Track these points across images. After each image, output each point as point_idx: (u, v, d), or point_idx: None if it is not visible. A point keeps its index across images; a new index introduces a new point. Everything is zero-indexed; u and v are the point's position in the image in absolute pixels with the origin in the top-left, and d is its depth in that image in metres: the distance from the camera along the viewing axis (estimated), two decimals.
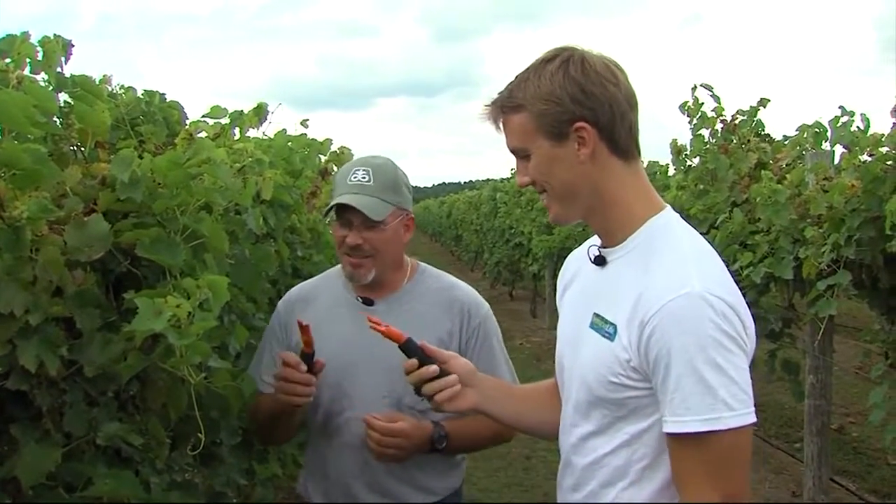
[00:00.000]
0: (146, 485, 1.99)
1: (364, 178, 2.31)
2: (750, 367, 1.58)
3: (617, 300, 1.66)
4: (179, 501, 1.98)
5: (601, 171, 1.69)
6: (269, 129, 4.10)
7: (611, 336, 1.65)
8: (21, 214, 1.64)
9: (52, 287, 1.69)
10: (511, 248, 14.37)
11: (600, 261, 1.77)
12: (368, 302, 2.37)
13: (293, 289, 2.57)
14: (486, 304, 2.49)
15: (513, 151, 1.76)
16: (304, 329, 2.15)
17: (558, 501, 1.85)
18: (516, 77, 1.74)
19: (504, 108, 1.74)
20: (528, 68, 1.72)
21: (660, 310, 1.55)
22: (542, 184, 1.73)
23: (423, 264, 2.54)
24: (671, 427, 1.55)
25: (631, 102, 1.71)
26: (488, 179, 18.13)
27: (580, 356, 1.75)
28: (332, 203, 2.33)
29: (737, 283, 4.26)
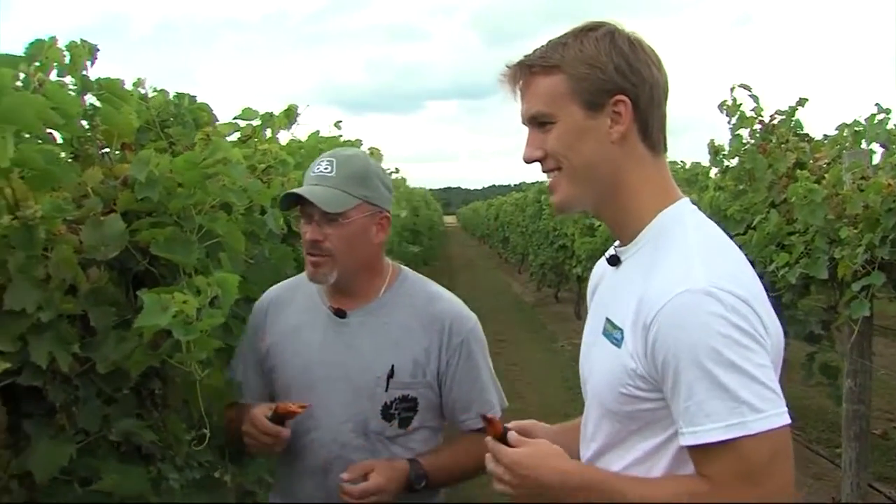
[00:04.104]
0: (165, 481, 2.01)
1: (327, 168, 2.10)
2: (784, 369, 1.46)
3: (624, 303, 1.52)
4: (184, 501, 1.99)
5: (627, 156, 1.55)
6: (310, 131, 4.16)
7: (618, 342, 1.51)
8: (34, 214, 1.68)
9: (65, 285, 1.73)
10: (555, 250, 14.32)
11: (614, 261, 1.66)
12: (340, 314, 2.16)
13: (270, 289, 2.35)
14: (473, 318, 2.23)
15: (532, 118, 1.58)
16: (293, 412, 2.00)
17: None
18: (549, 42, 1.58)
19: (534, 68, 1.56)
20: (564, 34, 1.57)
21: (661, 310, 1.41)
22: (559, 159, 1.56)
23: (405, 270, 2.30)
24: (689, 439, 1.39)
25: (667, 92, 1.59)
26: (536, 182, 18.05)
27: (594, 365, 1.64)
28: (282, 194, 2.14)
29: (772, 284, 4.16)
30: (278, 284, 2.34)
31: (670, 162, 7.52)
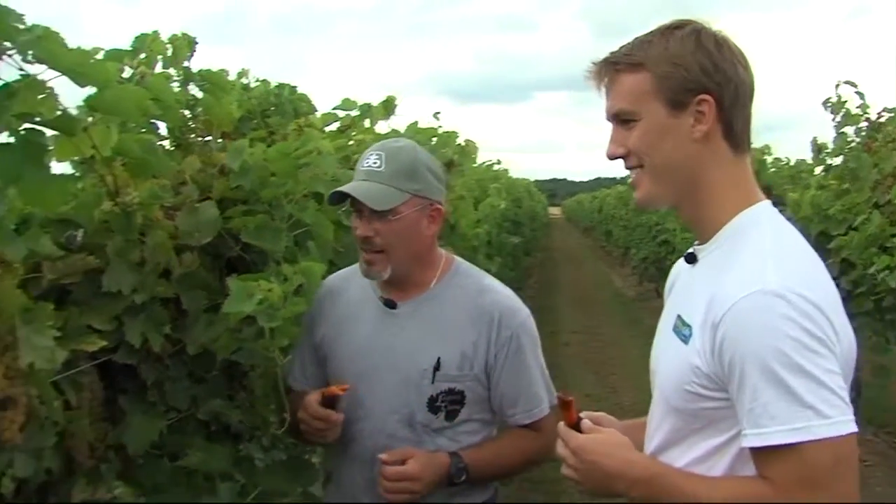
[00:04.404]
0: (250, 461, 2.08)
1: (375, 163, 2.04)
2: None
3: (695, 301, 1.51)
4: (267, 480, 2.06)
5: (709, 155, 1.53)
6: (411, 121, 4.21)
7: (686, 339, 1.50)
8: (133, 200, 1.77)
9: (159, 269, 1.81)
10: (657, 245, 14.10)
11: (692, 259, 1.64)
12: (391, 304, 2.13)
13: (327, 278, 2.27)
14: (524, 312, 2.18)
15: (615, 115, 1.58)
16: (335, 394, 1.99)
17: None
18: (634, 40, 1.58)
19: (619, 65, 1.56)
20: (650, 32, 1.57)
21: (730, 309, 1.39)
22: (641, 157, 1.56)
23: (459, 260, 2.24)
24: (752, 441, 1.38)
25: (752, 92, 1.57)
26: None
27: (661, 361, 1.64)
28: (332, 191, 2.07)
29: (873, 287, 4.05)
30: (335, 274, 2.30)
31: (774, 159, 7.26)
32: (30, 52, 1.47)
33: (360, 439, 2.09)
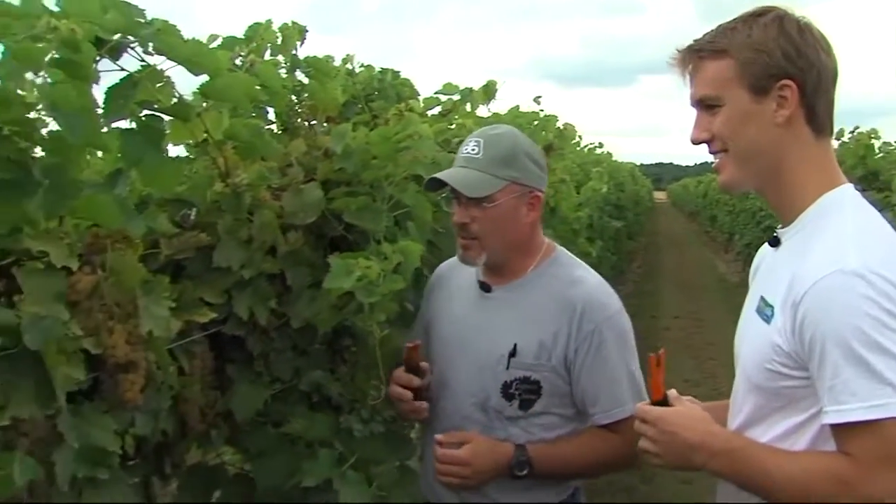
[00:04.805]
0: (349, 432, 2.17)
1: (474, 150, 2.04)
2: None
3: (777, 282, 1.55)
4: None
5: (791, 139, 1.57)
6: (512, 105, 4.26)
7: (768, 319, 1.55)
8: (242, 181, 1.88)
9: (266, 246, 1.92)
10: (761, 231, 13.79)
11: (775, 242, 1.68)
12: (486, 288, 2.13)
13: (444, 262, 2.33)
14: (613, 307, 2.10)
15: (700, 101, 1.62)
16: (410, 350, 2.05)
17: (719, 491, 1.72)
18: (718, 27, 1.62)
19: (703, 52, 1.60)
20: (733, 20, 1.60)
21: (811, 289, 1.43)
22: (725, 141, 1.60)
23: (560, 250, 2.20)
24: (832, 417, 1.41)
25: (836, 76, 1.59)
26: None
27: (744, 341, 1.68)
28: (428, 177, 2.10)
29: None
30: (451, 258, 2.29)
31: (883, 143, 7.03)
32: (150, 44, 1.57)
33: (441, 418, 2.12)
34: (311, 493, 1.99)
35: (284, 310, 1.98)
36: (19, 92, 1.34)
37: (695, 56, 1.62)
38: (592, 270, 2.19)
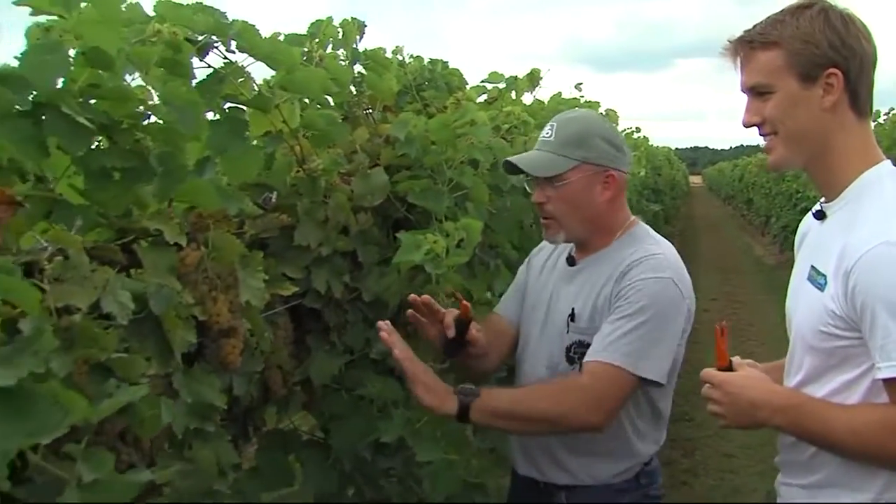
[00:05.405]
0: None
1: (548, 133, 2.15)
2: None
3: (828, 252, 1.71)
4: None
5: (837, 122, 1.72)
6: (553, 92, 4.40)
7: (821, 287, 1.70)
8: (317, 167, 2.04)
9: (339, 226, 2.09)
10: (798, 213, 13.74)
11: (820, 215, 1.84)
12: (571, 261, 2.24)
13: None
14: (661, 274, 2.08)
15: (751, 88, 1.77)
16: (463, 307, 2.10)
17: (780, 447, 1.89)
18: (767, 19, 1.77)
19: (754, 43, 1.75)
20: (780, 12, 1.75)
21: (860, 259, 1.59)
22: (775, 124, 1.75)
23: (640, 225, 2.26)
24: (885, 372, 1.57)
25: (875, 62, 1.76)
26: None
27: (798, 307, 1.83)
28: (504, 160, 2.22)
29: None
30: None
31: None
32: (233, 42, 1.74)
33: (522, 381, 2.27)
34: (379, 459, 2.17)
35: (356, 285, 2.15)
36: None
37: (746, 46, 1.77)
38: (667, 246, 2.21)
